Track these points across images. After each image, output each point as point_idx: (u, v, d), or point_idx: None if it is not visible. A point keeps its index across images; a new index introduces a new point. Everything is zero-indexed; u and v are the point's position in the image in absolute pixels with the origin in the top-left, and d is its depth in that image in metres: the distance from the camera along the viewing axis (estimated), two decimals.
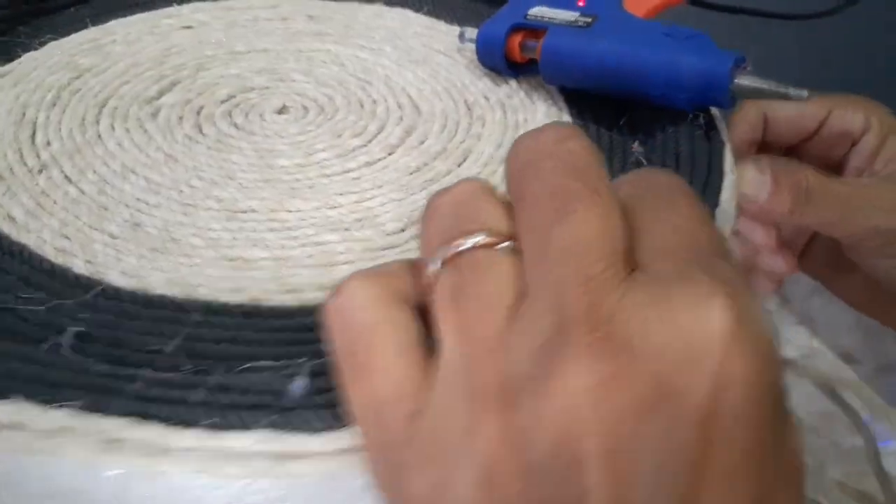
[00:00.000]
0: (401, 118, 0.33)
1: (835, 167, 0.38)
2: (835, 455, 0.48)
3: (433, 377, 0.17)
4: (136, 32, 0.38)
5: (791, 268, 0.40)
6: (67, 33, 0.37)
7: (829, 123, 0.37)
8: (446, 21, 0.41)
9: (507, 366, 0.16)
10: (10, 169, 0.28)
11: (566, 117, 0.34)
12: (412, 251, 0.26)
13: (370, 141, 0.32)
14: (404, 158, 0.31)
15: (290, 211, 0.27)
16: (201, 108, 0.33)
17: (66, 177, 0.28)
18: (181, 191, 0.28)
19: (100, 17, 0.38)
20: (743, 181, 0.32)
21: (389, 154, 0.31)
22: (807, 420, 0.52)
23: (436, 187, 0.29)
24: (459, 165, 0.31)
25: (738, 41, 0.33)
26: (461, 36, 0.36)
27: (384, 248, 0.26)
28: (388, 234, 0.27)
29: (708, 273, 0.16)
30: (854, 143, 0.38)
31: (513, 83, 0.36)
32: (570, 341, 0.15)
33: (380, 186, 0.29)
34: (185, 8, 0.40)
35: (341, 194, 0.28)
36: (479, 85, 0.36)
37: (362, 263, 0.25)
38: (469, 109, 0.34)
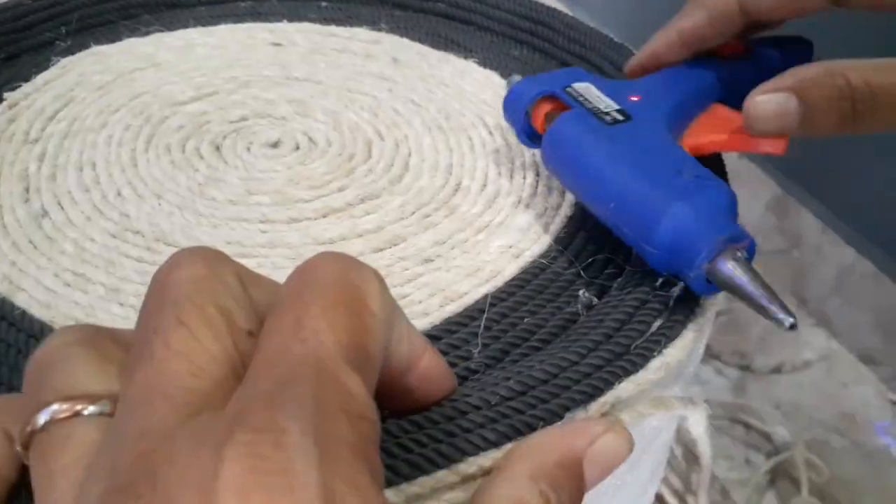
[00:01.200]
0: (372, 182, 0.31)
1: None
2: (857, 455, 0.45)
3: None
4: (228, 40, 0.40)
5: None
6: (172, 29, 0.40)
7: None
8: None
9: None
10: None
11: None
12: None
13: (316, 198, 0.30)
14: (326, 225, 0.28)
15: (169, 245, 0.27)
16: (207, 123, 0.34)
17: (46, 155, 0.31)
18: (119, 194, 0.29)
19: (208, 20, 0.41)
20: (755, 113, 0.26)
21: (323, 217, 0.29)
22: (829, 421, 0.51)
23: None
24: (380, 251, 0.28)
25: None
26: (509, 81, 0.31)
27: None
28: None
29: (251, 421, 0.13)
30: None
31: (530, 182, 0.31)
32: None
33: (271, 246, 0.27)
34: (292, 26, 0.41)
35: (228, 243, 0.27)
36: (490, 173, 0.32)
37: None
38: (454, 191, 0.31)
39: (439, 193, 0.30)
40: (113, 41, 0.39)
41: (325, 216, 0.29)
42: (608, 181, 0.25)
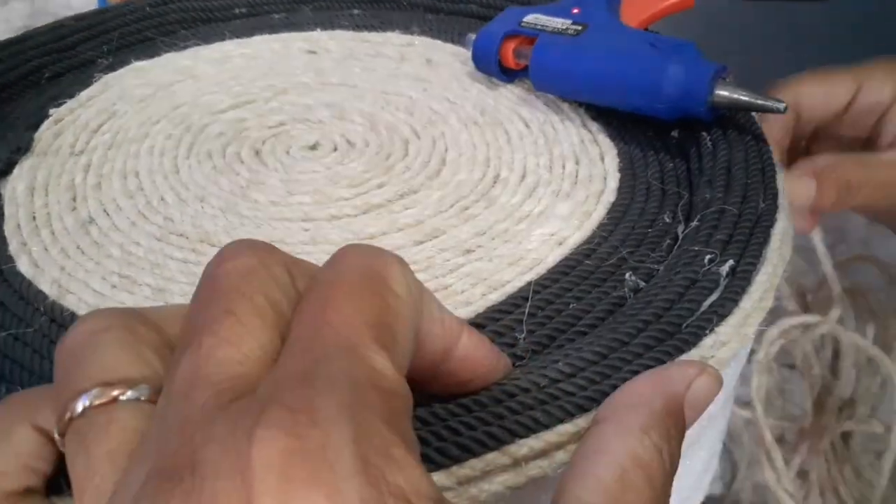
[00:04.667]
0: (410, 178, 0.31)
1: (866, 140, 0.39)
2: None
3: None
4: (264, 50, 0.40)
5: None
6: (209, 42, 0.41)
7: (859, 99, 0.38)
8: None
9: None
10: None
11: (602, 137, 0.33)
12: None
13: (356, 196, 0.30)
14: (367, 221, 0.28)
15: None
16: (246, 129, 0.34)
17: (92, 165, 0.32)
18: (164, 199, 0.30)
19: (243, 32, 0.41)
20: (790, 195, 0.32)
21: (364, 213, 0.29)
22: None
23: None
24: (420, 244, 0.27)
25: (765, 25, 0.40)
26: (466, 41, 0.37)
27: None
28: None
29: (284, 399, 0.13)
30: (884, 114, 0.38)
31: (570, 171, 0.31)
32: (147, 493, 0.13)
33: (314, 243, 0.27)
34: (325, 34, 0.41)
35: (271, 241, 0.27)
36: (529, 164, 0.31)
37: None
38: (493, 183, 0.30)
39: (478, 186, 0.30)
40: (152, 57, 0.39)
41: (365, 212, 0.29)
42: (605, 76, 0.31)
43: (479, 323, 0.24)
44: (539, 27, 0.34)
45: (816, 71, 0.39)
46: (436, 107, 0.35)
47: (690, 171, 0.30)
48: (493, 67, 0.36)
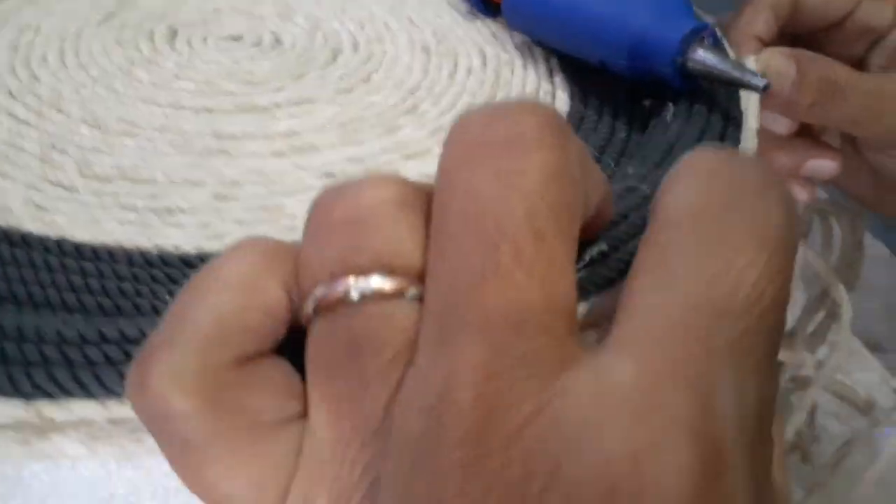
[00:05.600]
0: (317, 88, 0.26)
1: (853, 63, 0.33)
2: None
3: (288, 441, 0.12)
4: None
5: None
6: None
7: (856, 16, 0.33)
8: None
9: (371, 463, 0.12)
10: None
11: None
12: None
13: (244, 94, 0.26)
14: (237, 121, 0.24)
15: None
16: (177, 10, 0.31)
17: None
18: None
19: None
20: (766, 69, 0.29)
21: (241, 112, 0.25)
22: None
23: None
24: (280, 156, 0.23)
25: None
26: None
27: None
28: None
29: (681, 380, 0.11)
30: (878, 39, 0.34)
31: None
32: (441, 452, 0.11)
33: (162, 130, 0.24)
34: None
35: (121, 119, 0.24)
36: (460, 103, 0.27)
37: None
38: (406, 113, 0.26)
39: (387, 112, 0.26)
40: None
41: (243, 112, 0.25)
42: (576, 18, 0.27)
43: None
44: None
45: None
46: (393, 25, 0.31)
47: (640, 145, 0.25)
48: None
